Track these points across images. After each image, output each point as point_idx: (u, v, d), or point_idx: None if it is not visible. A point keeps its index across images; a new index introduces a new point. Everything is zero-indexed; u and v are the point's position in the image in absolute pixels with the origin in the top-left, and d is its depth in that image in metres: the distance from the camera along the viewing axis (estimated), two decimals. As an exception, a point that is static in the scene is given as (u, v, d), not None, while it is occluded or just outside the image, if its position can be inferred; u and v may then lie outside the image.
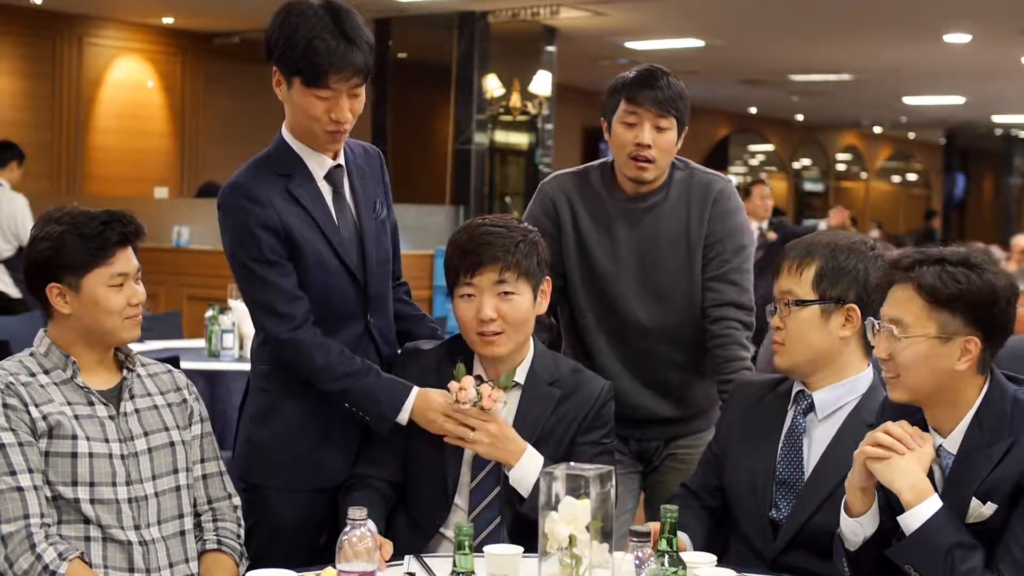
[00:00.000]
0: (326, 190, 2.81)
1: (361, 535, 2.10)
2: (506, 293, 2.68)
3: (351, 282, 2.81)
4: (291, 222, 2.73)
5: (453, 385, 2.64)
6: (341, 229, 2.81)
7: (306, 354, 2.74)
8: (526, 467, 2.62)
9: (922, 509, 2.19)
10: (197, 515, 2.60)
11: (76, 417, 2.44)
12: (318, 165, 2.80)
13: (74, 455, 2.41)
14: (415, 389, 2.73)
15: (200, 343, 5.32)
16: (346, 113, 2.68)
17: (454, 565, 2.06)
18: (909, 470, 2.21)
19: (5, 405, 2.39)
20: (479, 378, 2.69)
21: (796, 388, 2.63)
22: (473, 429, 2.63)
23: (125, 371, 2.56)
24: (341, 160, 2.85)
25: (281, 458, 2.79)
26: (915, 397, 2.29)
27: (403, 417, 2.72)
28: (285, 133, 2.80)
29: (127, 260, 2.51)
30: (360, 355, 2.78)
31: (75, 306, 2.48)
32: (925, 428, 2.31)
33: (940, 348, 2.24)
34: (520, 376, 2.74)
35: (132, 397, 2.54)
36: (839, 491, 2.41)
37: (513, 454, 2.64)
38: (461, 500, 2.70)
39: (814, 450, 2.56)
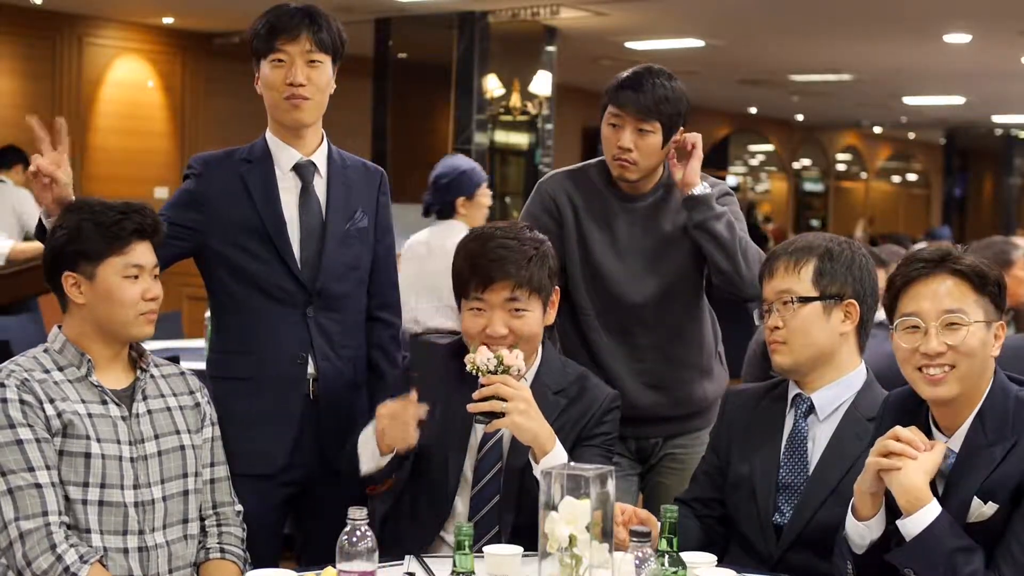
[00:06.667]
0: (292, 183, 2.90)
1: (361, 535, 2.10)
2: (517, 310, 2.66)
3: (285, 271, 2.85)
4: (220, 199, 2.86)
5: (469, 357, 2.56)
6: (303, 222, 2.87)
7: None
8: (560, 454, 2.55)
9: (923, 515, 2.17)
10: (201, 519, 2.58)
11: (89, 416, 2.42)
12: (286, 157, 2.90)
13: (87, 455, 2.39)
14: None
15: (200, 343, 5.32)
16: (299, 75, 2.80)
17: (454, 565, 2.06)
18: (911, 477, 2.20)
19: (22, 401, 2.36)
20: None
21: (792, 392, 2.63)
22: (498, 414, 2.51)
23: (139, 371, 2.54)
24: (317, 160, 2.93)
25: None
26: (962, 391, 2.25)
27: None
28: (267, 131, 2.95)
29: (144, 253, 2.49)
30: (292, 339, 2.85)
31: (89, 296, 2.47)
32: (927, 428, 2.31)
33: (988, 335, 2.26)
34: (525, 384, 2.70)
35: (145, 398, 2.52)
36: (841, 487, 2.42)
37: (548, 435, 2.54)
38: (462, 505, 2.68)
39: (816, 450, 2.57)
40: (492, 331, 2.64)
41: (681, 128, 3.04)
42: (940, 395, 2.25)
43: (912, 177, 26.18)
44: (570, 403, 2.72)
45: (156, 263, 2.53)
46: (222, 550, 2.56)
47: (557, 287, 2.77)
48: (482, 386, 2.52)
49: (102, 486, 2.40)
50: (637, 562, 2.08)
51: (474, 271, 2.66)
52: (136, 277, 2.47)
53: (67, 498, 2.37)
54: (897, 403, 2.39)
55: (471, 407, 2.53)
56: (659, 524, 2.15)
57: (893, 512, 2.25)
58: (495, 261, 2.64)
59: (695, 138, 3.02)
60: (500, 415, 2.50)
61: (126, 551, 2.41)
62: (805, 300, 2.57)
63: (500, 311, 2.65)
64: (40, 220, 2.73)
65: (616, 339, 3.12)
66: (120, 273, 2.46)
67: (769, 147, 21.90)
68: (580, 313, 3.14)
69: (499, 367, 2.51)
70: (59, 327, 2.53)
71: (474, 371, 2.53)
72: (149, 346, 2.74)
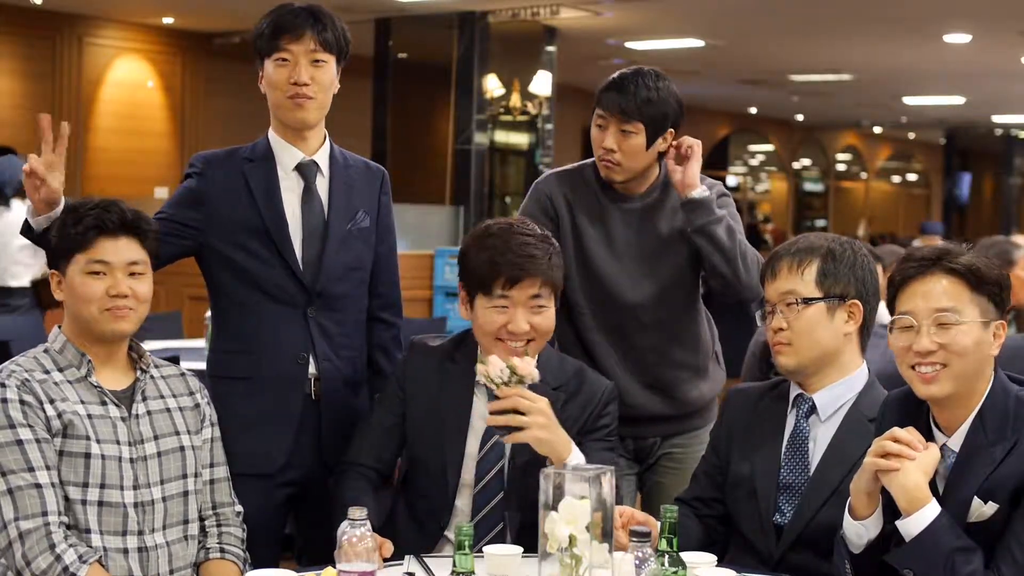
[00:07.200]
0: (295, 183, 2.91)
1: (361, 535, 2.09)
2: (539, 306, 2.66)
3: (286, 271, 2.85)
4: (222, 198, 2.87)
5: (480, 368, 2.52)
6: (305, 222, 2.88)
7: None
8: (577, 458, 2.53)
9: (922, 515, 2.17)
10: (201, 519, 2.58)
11: (89, 416, 2.42)
12: (289, 156, 2.91)
13: (87, 455, 2.39)
14: None
15: (200, 343, 5.32)
16: (303, 75, 2.80)
17: (454, 565, 2.06)
18: (911, 477, 2.20)
19: (22, 402, 2.36)
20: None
21: (794, 392, 2.63)
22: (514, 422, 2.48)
23: (139, 372, 2.54)
24: (320, 159, 2.93)
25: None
26: (956, 389, 2.24)
27: None
28: (269, 130, 2.95)
29: (113, 249, 2.48)
30: (293, 339, 2.86)
31: (66, 294, 2.49)
32: (927, 428, 2.31)
33: (985, 334, 2.25)
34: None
35: (145, 399, 2.52)
36: (842, 488, 2.41)
37: (565, 443, 2.53)
38: (463, 503, 2.68)
39: (817, 451, 2.56)
40: (515, 327, 2.63)
41: (671, 131, 3.03)
42: (933, 393, 2.25)
43: (912, 177, 26.19)
44: (570, 398, 2.73)
45: (135, 260, 2.50)
46: (222, 550, 2.56)
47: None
48: (496, 398, 2.50)
49: (102, 486, 2.40)
50: (637, 562, 2.08)
51: (500, 268, 2.64)
52: (101, 273, 2.47)
53: (67, 498, 2.37)
54: (897, 403, 2.39)
55: (489, 420, 2.52)
56: (659, 524, 2.15)
57: (893, 512, 2.25)
58: (525, 258, 2.63)
59: (691, 144, 3.00)
60: (518, 427, 2.48)
61: (126, 551, 2.41)
62: (809, 301, 2.57)
63: (524, 308, 2.64)
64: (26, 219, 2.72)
65: (612, 339, 3.12)
66: (84, 269, 2.47)
67: (769, 147, 21.90)
68: (576, 312, 3.13)
69: (512, 378, 2.48)
70: (59, 327, 2.53)
71: (487, 384, 2.50)
72: (149, 346, 2.75)
